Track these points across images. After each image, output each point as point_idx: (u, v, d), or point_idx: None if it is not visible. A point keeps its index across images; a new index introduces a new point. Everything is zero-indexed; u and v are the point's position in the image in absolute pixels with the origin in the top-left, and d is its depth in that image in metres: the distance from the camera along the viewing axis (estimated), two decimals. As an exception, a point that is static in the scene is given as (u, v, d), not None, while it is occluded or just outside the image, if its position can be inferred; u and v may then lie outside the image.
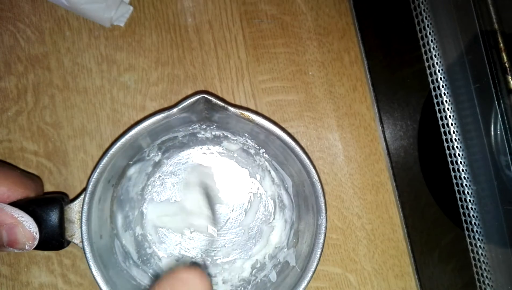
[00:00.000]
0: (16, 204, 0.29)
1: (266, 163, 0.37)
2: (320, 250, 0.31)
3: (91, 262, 0.30)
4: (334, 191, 0.39)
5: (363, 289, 0.38)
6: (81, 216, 0.30)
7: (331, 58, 0.39)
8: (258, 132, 0.32)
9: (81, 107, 0.37)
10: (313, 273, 0.31)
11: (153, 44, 0.38)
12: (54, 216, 0.30)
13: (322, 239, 0.31)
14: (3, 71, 0.37)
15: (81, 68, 0.38)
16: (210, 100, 0.29)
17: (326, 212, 0.31)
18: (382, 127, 0.38)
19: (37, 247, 0.29)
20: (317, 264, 0.31)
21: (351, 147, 0.39)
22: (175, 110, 0.30)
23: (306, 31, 0.39)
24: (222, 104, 0.30)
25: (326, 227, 0.31)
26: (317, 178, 0.31)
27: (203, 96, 0.29)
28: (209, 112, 0.31)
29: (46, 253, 0.36)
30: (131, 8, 0.38)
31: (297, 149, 0.31)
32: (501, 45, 0.27)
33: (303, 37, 0.39)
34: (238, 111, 0.30)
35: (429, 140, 0.37)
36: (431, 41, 0.31)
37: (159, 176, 0.37)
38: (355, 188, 0.39)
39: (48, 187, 0.37)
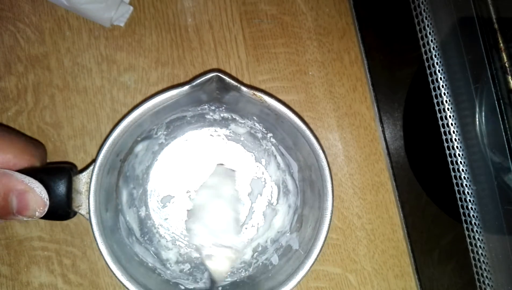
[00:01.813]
0: (23, 172, 0.28)
1: (273, 147, 0.37)
2: (325, 233, 0.31)
3: (97, 233, 0.30)
4: (334, 191, 0.39)
5: (363, 289, 0.38)
6: (89, 187, 0.30)
7: (331, 58, 0.39)
8: (268, 113, 0.32)
9: (81, 107, 0.37)
10: (317, 256, 0.31)
11: (153, 44, 0.38)
12: (62, 186, 0.29)
13: (327, 222, 0.31)
14: (3, 71, 0.37)
15: (81, 68, 0.38)
16: (223, 79, 0.29)
17: (333, 196, 0.31)
18: (382, 127, 0.38)
19: (44, 217, 0.28)
20: (322, 247, 0.31)
21: (351, 147, 0.39)
22: (187, 87, 0.29)
23: (306, 31, 0.39)
24: (235, 83, 0.29)
25: (332, 211, 0.31)
26: (325, 161, 0.31)
27: (216, 75, 0.29)
28: (221, 92, 0.31)
29: (46, 253, 0.36)
30: (131, 8, 0.38)
31: (307, 132, 0.31)
32: (501, 45, 0.27)
33: (303, 37, 0.39)
34: (250, 91, 0.30)
35: (415, 138, 0.37)
36: (431, 41, 0.31)
37: (165, 155, 0.37)
38: (355, 188, 0.39)
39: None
